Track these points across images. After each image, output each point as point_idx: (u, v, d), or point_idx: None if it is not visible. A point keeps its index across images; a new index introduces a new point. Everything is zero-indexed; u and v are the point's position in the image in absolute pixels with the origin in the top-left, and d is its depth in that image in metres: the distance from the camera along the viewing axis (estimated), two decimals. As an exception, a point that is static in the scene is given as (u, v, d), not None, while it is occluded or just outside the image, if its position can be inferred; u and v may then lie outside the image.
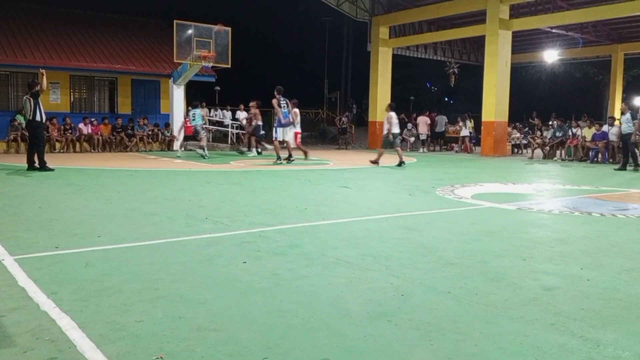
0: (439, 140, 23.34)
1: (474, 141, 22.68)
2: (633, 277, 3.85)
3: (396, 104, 15.06)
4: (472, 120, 22.39)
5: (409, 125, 23.09)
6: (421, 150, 21.88)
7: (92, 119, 18.23)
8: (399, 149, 13.61)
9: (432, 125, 22.64)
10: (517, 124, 22.74)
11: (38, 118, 10.45)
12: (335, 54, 37.51)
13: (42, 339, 2.58)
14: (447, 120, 23.19)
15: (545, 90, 37.58)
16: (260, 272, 3.78)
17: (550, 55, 25.74)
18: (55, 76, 17.89)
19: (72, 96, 19.38)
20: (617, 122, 16.69)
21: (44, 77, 10.43)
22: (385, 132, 13.67)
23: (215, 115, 22.67)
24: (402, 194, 8.25)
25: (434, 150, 22.53)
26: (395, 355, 2.49)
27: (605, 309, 3.15)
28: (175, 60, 18.06)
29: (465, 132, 21.88)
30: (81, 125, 17.86)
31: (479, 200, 7.64)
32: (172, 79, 19.16)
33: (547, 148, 18.28)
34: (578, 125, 17.61)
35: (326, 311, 3.03)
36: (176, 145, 18.33)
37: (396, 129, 13.65)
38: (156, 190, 8.25)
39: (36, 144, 10.66)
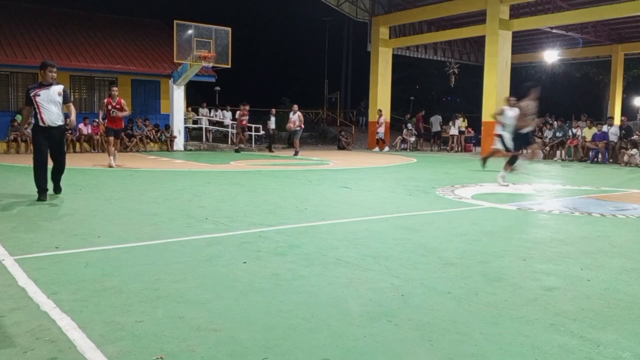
0: (437, 140, 23.37)
1: (474, 141, 22.69)
2: (633, 277, 3.85)
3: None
4: (465, 120, 22.45)
5: (409, 126, 23.08)
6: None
7: (93, 120, 18.22)
8: (297, 141, 18.17)
9: (420, 125, 22.83)
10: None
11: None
12: (335, 54, 37.50)
13: (42, 339, 2.58)
14: (441, 120, 23.26)
15: (545, 91, 37.51)
16: (260, 273, 3.78)
17: (550, 56, 25.73)
18: (55, 76, 17.87)
19: (72, 96, 19.32)
20: None
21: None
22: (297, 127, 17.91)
23: (216, 115, 22.68)
24: (402, 194, 8.25)
25: (431, 150, 22.56)
26: (395, 356, 2.49)
27: (605, 309, 3.14)
28: (175, 61, 18.07)
29: (454, 131, 22.08)
30: (81, 126, 17.86)
31: (479, 201, 7.64)
32: (172, 79, 19.16)
33: (547, 148, 18.28)
34: (578, 126, 17.62)
35: (326, 311, 3.03)
36: (177, 144, 18.21)
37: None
38: (156, 190, 8.25)
39: None
